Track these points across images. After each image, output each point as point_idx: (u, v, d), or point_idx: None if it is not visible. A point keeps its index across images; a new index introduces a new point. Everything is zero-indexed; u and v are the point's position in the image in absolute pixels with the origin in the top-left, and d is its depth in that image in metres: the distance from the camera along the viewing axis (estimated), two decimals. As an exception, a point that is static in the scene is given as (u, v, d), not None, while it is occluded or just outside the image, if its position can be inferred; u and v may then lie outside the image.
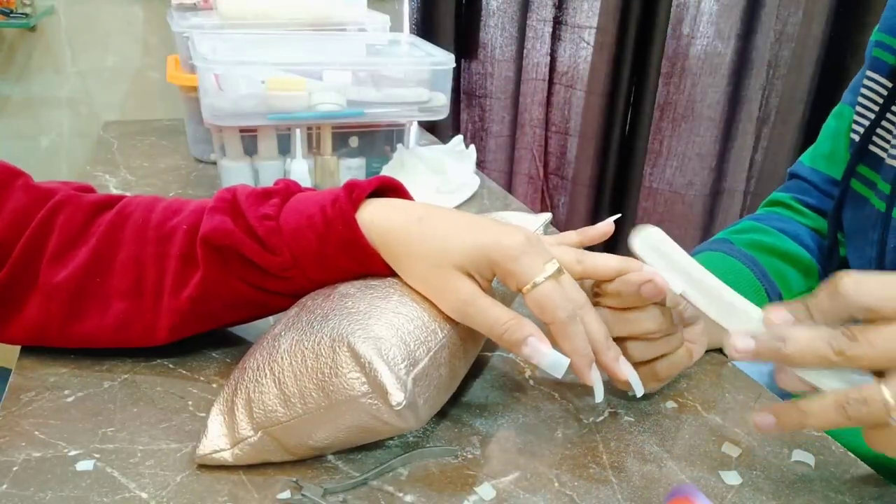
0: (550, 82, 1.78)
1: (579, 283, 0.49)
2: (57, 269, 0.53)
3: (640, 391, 0.50)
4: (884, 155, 0.64)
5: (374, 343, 0.43)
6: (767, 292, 0.67)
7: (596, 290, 0.52)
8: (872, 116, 0.66)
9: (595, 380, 0.48)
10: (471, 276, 0.47)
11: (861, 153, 0.66)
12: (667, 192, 1.89)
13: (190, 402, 0.53)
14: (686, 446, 0.52)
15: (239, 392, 0.47)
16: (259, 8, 1.06)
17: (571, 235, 0.56)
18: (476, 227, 0.48)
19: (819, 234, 0.75)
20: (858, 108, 0.68)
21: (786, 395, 0.78)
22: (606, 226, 0.55)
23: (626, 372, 0.49)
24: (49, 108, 1.51)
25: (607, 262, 0.50)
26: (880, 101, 0.66)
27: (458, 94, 1.73)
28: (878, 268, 0.63)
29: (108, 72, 1.51)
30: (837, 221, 0.70)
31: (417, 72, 0.95)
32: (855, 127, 0.69)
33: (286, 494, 0.45)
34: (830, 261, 0.72)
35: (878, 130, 0.65)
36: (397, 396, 0.42)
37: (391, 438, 0.50)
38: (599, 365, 0.48)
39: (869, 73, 0.67)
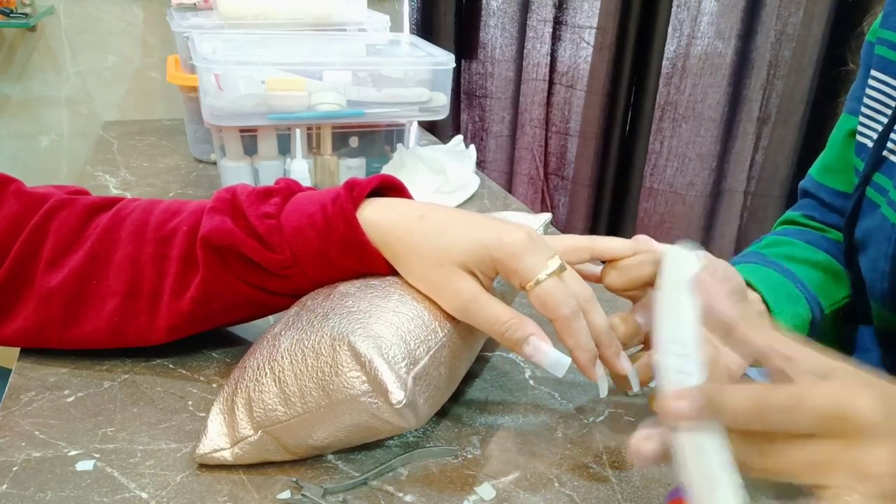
0: (550, 82, 1.78)
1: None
2: (53, 274, 0.53)
3: (636, 387, 0.50)
4: None
5: (375, 342, 0.43)
6: (807, 300, 0.65)
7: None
8: (885, 120, 0.63)
9: (599, 375, 0.48)
10: (473, 274, 0.47)
11: (876, 159, 0.64)
12: (667, 192, 1.89)
13: (190, 402, 0.53)
14: (686, 446, 0.52)
15: (239, 391, 0.47)
16: (259, 8, 1.06)
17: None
18: (477, 224, 0.48)
19: (839, 245, 0.74)
20: (867, 111, 0.66)
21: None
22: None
23: (626, 367, 0.49)
24: (49, 108, 1.51)
25: (619, 241, 0.51)
26: (891, 102, 0.63)
27: (458, 94, 1.73)
28: (890, 282, 0.62)
29: (108, 72, 1.51)
30: (850, 231, 0.68)
31: (417, 72, 0.95)
32: (864, 131, 0.66)
33: (286, 494, 0.45)
34: (850, 271, 0.70)
35: (892, 136, 0.62)
36: (397, 395, 0.42)
37: (391, 438, 0.50)
38: (600, 359, 0.49)
39: (874, 74, 0.65)
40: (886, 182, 0.63)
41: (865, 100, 0.66)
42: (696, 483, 0.35)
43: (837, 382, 0.34)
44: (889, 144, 0.63)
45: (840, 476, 0.33)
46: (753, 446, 0.35)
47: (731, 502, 0.34)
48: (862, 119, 0.67)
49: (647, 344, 0.54)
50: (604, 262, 0.55)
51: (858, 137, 0.67)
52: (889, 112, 0.63)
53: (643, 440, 0.37)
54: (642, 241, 0.52)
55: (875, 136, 0.64)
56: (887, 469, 0.32)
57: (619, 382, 0.52)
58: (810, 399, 0.34)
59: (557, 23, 1.72)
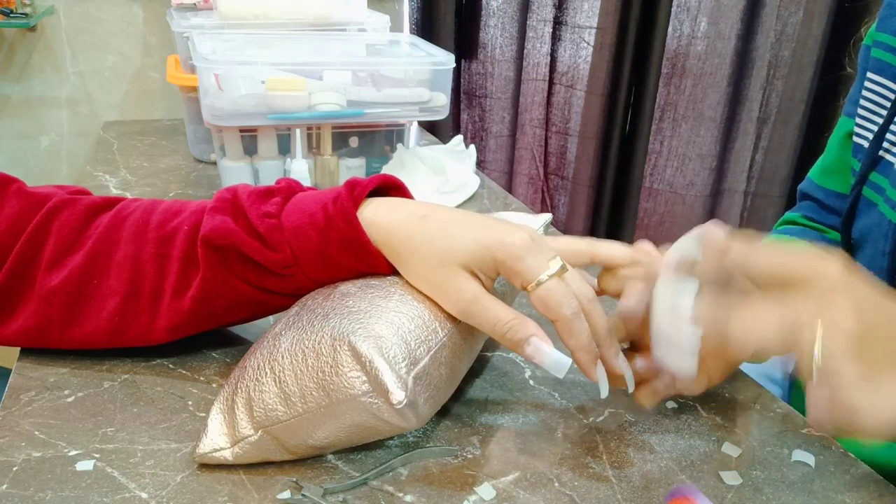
0: (550, 82, 1.78)
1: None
2: (54, 274, 0.53)
3: (632, 388, 0.51)
4: (893, 160, 0.62)
5: (375, 342, 0.43)
6: None
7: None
8: (881, 120, 0.64)
9: (601, 377, 0.48)
10: (475, 274, 0.47)
11: (872, 159, 0.64)
12: (667, 192, 1.89)
13: (190, 402, 0.53)
14: (686, 446, 0.52)
15: (239, 391, 0.47)
16: (259, 8, 1.06)
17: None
18: (479, 225, 0.48)
19: (838, 245, 0.74)
20: (863, 112, 0.67)
21: (786, 396, 0.78)
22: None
23: (623, 368, 0.50)
24: (49, 108, 1.51)
25: (619, 248, 0.51)
26: (886, 104, 0.64)
27: (458, 94, 1.73)
28: (890, 278, 0.62)
29: (108, 72, 1.51)
30: (848, 231, 0.69)
31: (417, 72, 0.95)
32: (860, 131, 0.67)
33: (286, 494, 0.45)
34: None
35: (888, 136, 0.63)
36: (398, 395, 0.42)
37: (391, 438, 0.50)
38: (600, 359, 0.49)
39: (870, 76, 0.66)
40: (883, 181, 0.63)
41: (862, 101, 0.67)
42: (662, 318, 0.45)
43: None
44: (885, 144, 0.63)
45: (808, 329, 0.38)
46: (730, 298, 0.42)
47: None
48: (858, 120, 0.67)
49: (633, 345, 0.54)
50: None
51: (855, 138, 0.68)
52: (885, 112, 0.64)
53: (634, 288, 0.48)
54: (644, 248, 0.51)
55: (871, 136, 0.65)
56: (850, 321, 0.38)
57: (616, 382, 0.52)
58: (765, 254, 0.41)
59: (557, 23, 1.72)
